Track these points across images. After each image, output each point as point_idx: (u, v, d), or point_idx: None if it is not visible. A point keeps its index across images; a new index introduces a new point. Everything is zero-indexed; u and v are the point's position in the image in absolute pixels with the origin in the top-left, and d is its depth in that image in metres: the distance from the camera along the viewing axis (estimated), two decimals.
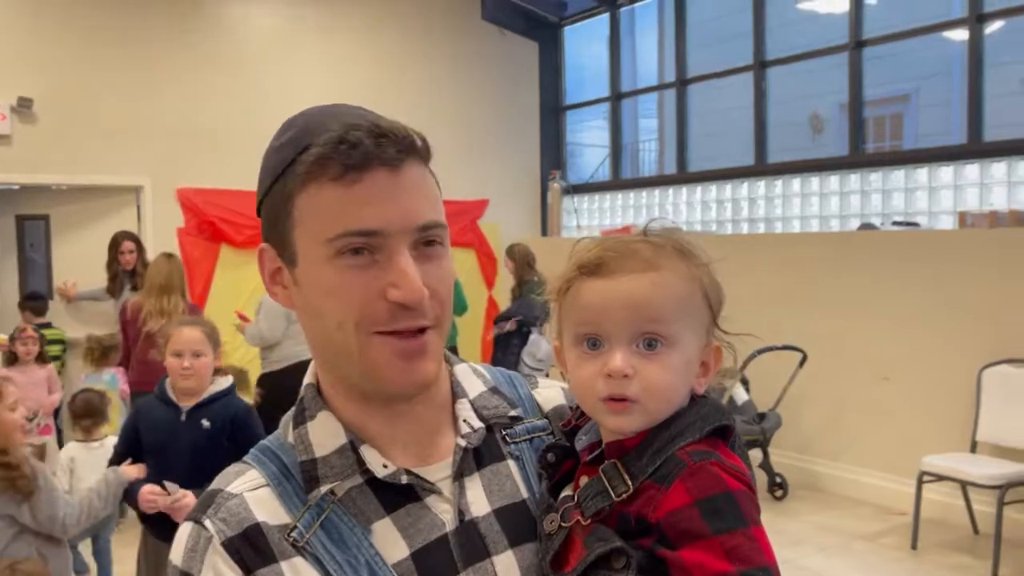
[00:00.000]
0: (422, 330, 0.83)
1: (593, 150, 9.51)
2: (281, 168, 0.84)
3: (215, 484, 0.87)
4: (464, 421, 0.91)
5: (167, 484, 2.83)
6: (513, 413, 0.95)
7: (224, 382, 3.03)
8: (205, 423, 2.92)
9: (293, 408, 0.92)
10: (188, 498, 2.74)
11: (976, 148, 5.65)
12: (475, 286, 7.83)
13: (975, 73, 5.65)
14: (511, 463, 0.92)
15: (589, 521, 0.81)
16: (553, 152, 8.85)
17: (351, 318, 0.81)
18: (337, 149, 0.80)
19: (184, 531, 0.84)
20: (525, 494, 0.90)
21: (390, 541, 0.83)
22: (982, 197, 5.66)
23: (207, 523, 0.82)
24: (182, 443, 2.91)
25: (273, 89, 6.78)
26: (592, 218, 8.68)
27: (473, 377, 0.97)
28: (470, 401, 0.93)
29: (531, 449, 0.94)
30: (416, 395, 0.85)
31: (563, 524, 0.83)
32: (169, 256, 5.00)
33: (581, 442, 0.90)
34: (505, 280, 8.11)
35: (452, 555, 0.84)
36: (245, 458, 0.90)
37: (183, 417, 2.94)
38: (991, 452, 4.87)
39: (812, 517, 5.24)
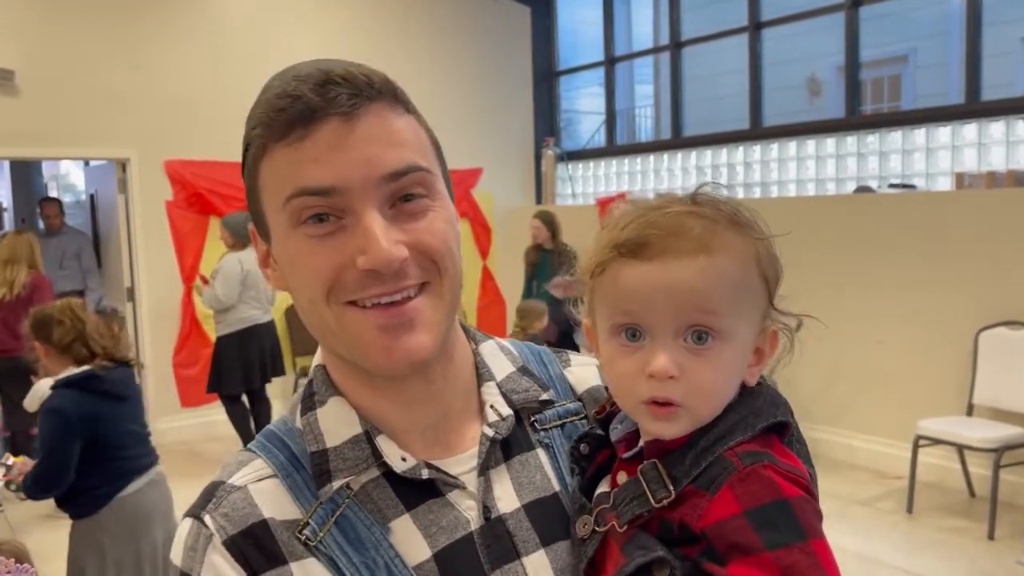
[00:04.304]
0: (408, 297, 0.73)
1: (589, 117, 9.41)
2: (246, 141, 0.76)
3: (217, 475, 0.79)
4: (491, 407, 0.82)
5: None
6: (544, 396, 0.85)
7: (65, 373, 2.91)
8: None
9: (301, 390, 0.83)
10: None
11: (974, 108, 5.57)
12: (469, 256, 7.77)
13: (973, 32, 5.55)
14: (541, 452, 0.83)
15: (626, 528, 0.72)
16: (547, 119, 8.74)
17: (320, 291, 0.72)
18: (278, 106, 0.71)
19: (184, 529, 0.76)
20: (557, 487, 0.81)
21: (410, 541, 0.75)
22: (980, 157, 5.59)
23: (207, 520, 0.74)
24: None
25: (261, 59, 6.66)
26: (587, 185, 8.60)
27: (500, 356, 0.87)
28: (497, 384, 0.84)
29: (563, 436, 0.85)
30: (411, 373, 0.75)
31: (597, 529, 0.75)
32: (18, 232, 5.53)
33: (616, 431, 0.80)
34: (502, 250, 8.07)
35: (478, 556, 0.76)
36: (250, 445, 0.81)
37: None
38: (988, 415, 4.85)
39: None
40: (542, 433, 0.84)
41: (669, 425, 0.73)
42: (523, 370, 0.87)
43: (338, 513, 0.74)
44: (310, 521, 0.74)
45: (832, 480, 5.29)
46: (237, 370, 5.52)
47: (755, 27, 6.86)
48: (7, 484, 3.28)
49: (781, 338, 0.79)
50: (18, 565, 2.25)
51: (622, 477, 0.76)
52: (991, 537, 4.32)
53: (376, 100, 0.73)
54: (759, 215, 0.77)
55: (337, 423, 0.78)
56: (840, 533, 4.45)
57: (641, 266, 0.73)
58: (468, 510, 0.77)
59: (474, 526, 0.77)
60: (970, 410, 4.90)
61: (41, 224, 7.20)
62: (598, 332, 0.79)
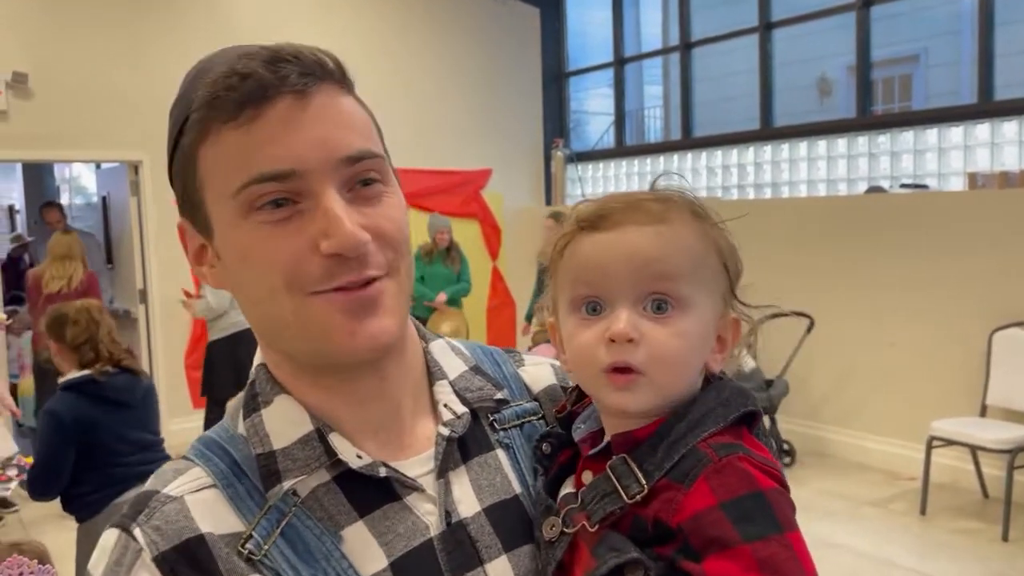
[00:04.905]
0: (370, 281, 0.69)
1: (598, 118, 9.40)
2: (179, 125, 0.70)
3: (150, 484, 0.72)
4: (445, 406, 0.78)
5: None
6: (499, 396, 0.82)
7: (70, 375, 2.93)
8: None
9: (242, 394, 0.77)
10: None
11: (987, 107, 5.54)
12: (479, 257, 7.77)
13: (985, 31, 5.52)
14: (500, 453, 0.80)
15: (597, 527, 0.70)
16: (556, 120, 8.74)
17: (280, 281, 0.68)
18: (227, 84, 0.66)
19: (108, 540, 0.69)
20: (518, 489, 0.78)
21: (365, 549, 0.70)
22: (993, 157, 5.56)
23: (136, 532, 0.67)
24: None
25: None
26: (597, 186, 8.59)
27: (451, 355, 0.84)
28: (450, 383, 0.81)
29: (522, 436, 0.82)
30: (376, 359, 0.72)
31: (566, 530, 0.72)
32: (66, 232, 5.88)
33: (579, 431, 0.79)
34: (511, 251, 8.07)
35: (439, 564, 0.71)
36: (187, 453, 0.74)
37: None
38: (1001, 416, 4.82)
39: (820, 484, 5.21)
40: (501, 433, 0.81)
41: (630, 396, 0.72)
42: (476, 369, 0.84)
43: (284, 523, 0.69)
44: (253, 533, 0.67)
45: (844, 481, 5.27)
46: (229, 374, 5.49)
47: (766, 27, 6.84)
48: (21, 484, 3.32)
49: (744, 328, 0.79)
50: (40, 566, 2.25)
51: (588, 476, 0.74)
52: (1005, 539, 4.30)
53: (326, 80, 0.70)
54: (716, 212, 0.78)
55: (285, 423, 0.73)
56: (852, 535, 4.43)
57: (600, 235, 0.74)
58: (427, 515, 0.73)
59: (434, 532, 0.72)
60: (983, 411, 4.87)
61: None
62: (560, 313, 0.77)
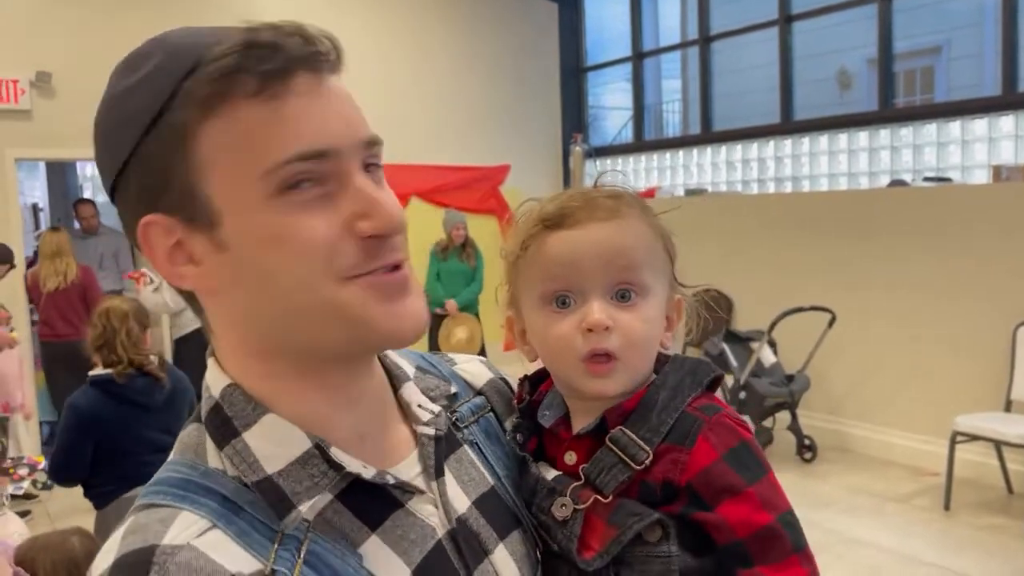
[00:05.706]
0: (399, 265, 0.68)
1: (616, 112, 9.38)
2: (156, 107, 0.63)
3: (135, 542, 0.61)
4: (419, 407, 0.78)
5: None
6: (453, 390, 0.84)
7: (96, 371, 3.00)
8: None
9: (194, 426, 0.71)
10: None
11: (1011, 99, 5.48)
12: (497, 253, 7.78)
13: (1009, 22, 5.46)
14: (467, 448, 0.81)
15: (611, 498, 0.76)
16: (575, 115, 8.73)
17: (318, 267, 0.63)
18: (248, 56, 0.61)
19: None
20: (491, 480, 0.81)
21: (386, 563, 0.68)
22: (1017, 150, 5.50)
23: None
24: None
25: None
26: (616, 181, 8.55)
27: (400, 357, 0.83)
28: (412, 383, 0.80)
29: (480, 431, 0.84)
30: (414, 341, 0.69)
31: (578, 507, 0.77)
32: (55, 230, 6.00)
33: (546, 417, 0.84)
34: None
35: (452, 563, 0.71)
36: (157, 500, 0.65)
37: None
38: None
39: (842, 479, 5.19)
40: (465, 431, 0.83)
41: (608, 382, 0.79)
42: (421, 369, 0.84)
43: (304, 550, 0.64)
44: (276, 568, 0.62)
45: (868, 477, 5.24)
46: (195, 372, 5.49)
47: (785, 20, 6.80)
48: (33, 483, 3.40)
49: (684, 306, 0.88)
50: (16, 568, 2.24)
51: (571, 456, 0.81)
52: None
53: (337, 59, 0.68)
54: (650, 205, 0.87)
55: (275, 443, 0.67)
56: (876, 530, 4.40)
57: (566, 233, 0.80)
58: (430, 516, 0.72)
59: (440, 532, 0.72)
60: (1008, 406, 4.82)
61: (77, 225, 7.31)
62: (525, 308, 0.83)
